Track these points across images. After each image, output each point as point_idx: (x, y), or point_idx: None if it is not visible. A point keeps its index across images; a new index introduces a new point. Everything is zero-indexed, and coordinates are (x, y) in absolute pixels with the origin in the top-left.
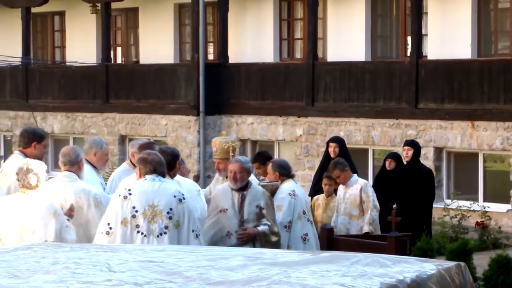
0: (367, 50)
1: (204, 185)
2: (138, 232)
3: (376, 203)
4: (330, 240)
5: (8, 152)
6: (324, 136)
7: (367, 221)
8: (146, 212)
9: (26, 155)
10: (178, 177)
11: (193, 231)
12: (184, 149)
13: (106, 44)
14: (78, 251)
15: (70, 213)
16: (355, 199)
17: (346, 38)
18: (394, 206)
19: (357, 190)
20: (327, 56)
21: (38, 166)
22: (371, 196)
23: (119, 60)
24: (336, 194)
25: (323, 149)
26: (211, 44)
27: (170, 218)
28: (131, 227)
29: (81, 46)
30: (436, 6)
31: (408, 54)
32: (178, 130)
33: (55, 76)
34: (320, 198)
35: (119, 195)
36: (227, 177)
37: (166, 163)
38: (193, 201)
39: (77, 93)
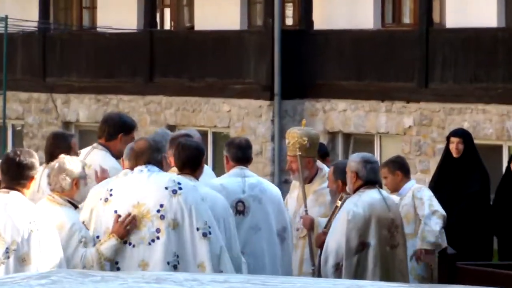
0: (500, 13)
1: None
2: (125, 242)
3: (437, 208)
4: (451, 268)
5: (17, 146)
6: (442, 128)
7: (420, 235)
8: None
9: (109, 150)
10: (221, 178)
11: (197, 229)
12: (254, 145)
13: (150, 4)
14: (111, 282)
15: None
16: (408, 211)
17: None
18: None
19: (409, 199)
20: (446, 21)
21: (77, 165)
22: (426, 201)
23: (167, 26)
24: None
25: (441, 146)
26: (290, 4)
27: (162, 217)
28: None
29: (117, 7)
30: None
31: None
32: (245, 119)
33: (82, 46)
34: None
35: (100, 199)
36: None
37: (190, 161)
38: (200, 189)
39: (111, 69)
